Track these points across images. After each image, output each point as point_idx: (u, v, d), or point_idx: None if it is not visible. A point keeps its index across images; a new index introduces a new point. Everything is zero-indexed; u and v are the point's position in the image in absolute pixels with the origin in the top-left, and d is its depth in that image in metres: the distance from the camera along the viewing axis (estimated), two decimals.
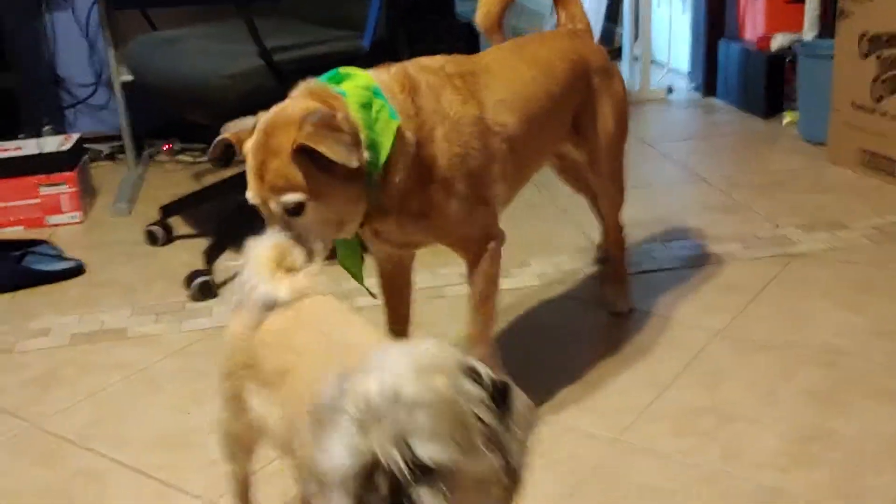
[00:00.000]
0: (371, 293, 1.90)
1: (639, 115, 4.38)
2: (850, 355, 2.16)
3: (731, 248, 2.82)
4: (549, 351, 2.28)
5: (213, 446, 1.90)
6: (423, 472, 0.85)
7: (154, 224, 3.14)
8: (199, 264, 2.76)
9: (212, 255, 2.77)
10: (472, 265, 1.86)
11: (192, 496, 1.81)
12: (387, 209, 1.70)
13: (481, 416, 0.90)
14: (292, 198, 1.54)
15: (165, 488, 1.84)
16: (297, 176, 1.53)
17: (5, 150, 3.42)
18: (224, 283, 2.73)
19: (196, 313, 2.61)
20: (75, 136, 3.55)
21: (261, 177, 1.55)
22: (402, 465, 0.84)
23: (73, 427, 2.06)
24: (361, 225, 1.71)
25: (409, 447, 0.85)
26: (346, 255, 1.79)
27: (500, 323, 2.40)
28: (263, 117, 1.59)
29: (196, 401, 2.14)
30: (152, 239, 3.12)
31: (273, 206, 1.55)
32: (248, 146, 1.58)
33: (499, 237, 1.87)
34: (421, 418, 0.86)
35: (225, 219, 3.01)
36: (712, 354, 2.21)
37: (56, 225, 3.38)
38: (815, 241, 2.83)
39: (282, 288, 1.28)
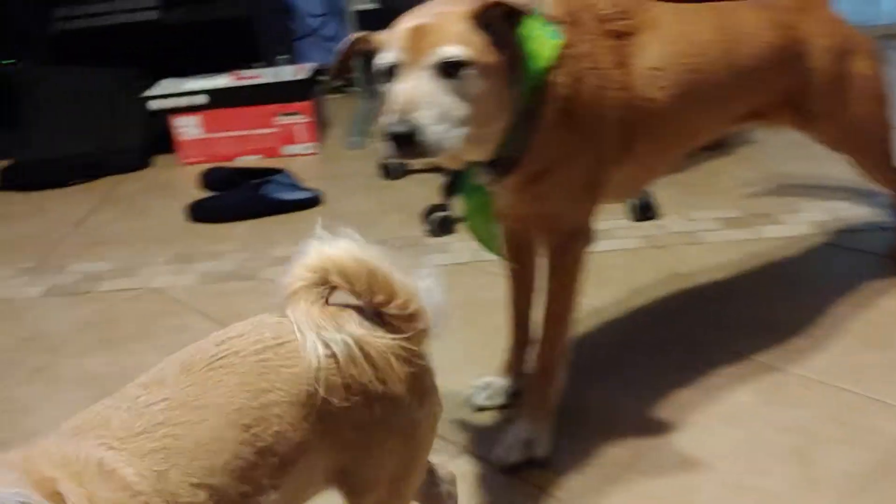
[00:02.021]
0: (507, 259, 1.69)
1: None
2: None
3: None
4: (838, 312, 2.01)
5: (461, 389, 1.81)
6: None
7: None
8: (435, 199, 2.65)
9: (450, 190, 2.66)
10: (552, 260, 1.59)
11: (441, 439, 1.70)
12: (519, 156, 1.45)
13: None
14: (455, 51, 1.30)
15: None
16: (470, 33, 1.32)
17: (244, 77, 3.44)
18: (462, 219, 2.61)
19: (433, 249, 2.50)
20: (310, 67, 3.53)
21: (419, 34, 1.33)
22: None
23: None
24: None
25: None
26: (477, 217, 1.57)
27: (773, 276, 2.15)
28: (414, 15, 1.38)
29: (443, 339, 2.02)
30: (387, 172, 3.05)
31: (427, 59, 1.31)
32: (403, 27, 1.35)
33: (588, 237, 1.60)
34: None
35: None
36: None
37: (291, 155, 3.38)
38: None
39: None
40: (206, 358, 1.01)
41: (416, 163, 1.43)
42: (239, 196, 2.92)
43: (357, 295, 1.07)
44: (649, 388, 1.76)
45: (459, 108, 1.31)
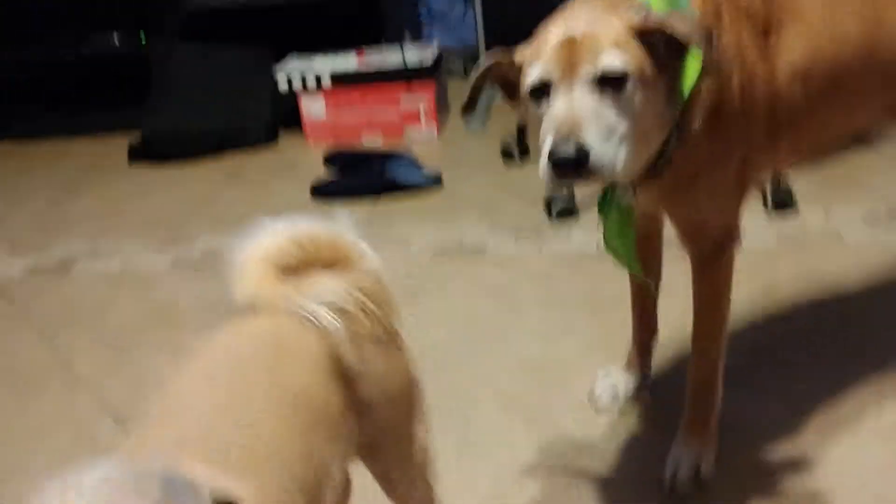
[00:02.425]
0: (648, 283, 1.58)
1: None
2: None
3: None
4: None
5: (580, 383, 1.76)
6: None
7: (510, 142, 3.02)
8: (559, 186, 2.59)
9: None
10: (700, 268, 1.47)
11: (559, 433, 1.66)
12: (669, 160, 1.34)
13: None
14: (618, 62, 1.18)
15: (530, 421, 1.70)
16: (630, 44, 1.20)
17: (369, 57, 3.45)
18: (585, 206, 2.54)
19: (555, 236, 2.45)
20: (435, 49, 3.51)
21: (573, 45, 1.20)
22: None
23: (430, 343, 1.98)
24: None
25: None
26: (617, 235, 1.46)
27: None
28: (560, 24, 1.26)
29: (563, 331, 1.98)
30: (508, 156, 3.00)
31: (586, 72, 1.19)
32: (554, 39, 1.23)
33: (737, 240, 1.48)
34: None
35: None
36: None
37: (413, 136, 3.37)
38: None
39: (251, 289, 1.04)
40: (223, 369, 0.99)
41: (583, 186, 1.31)
42: (361, 176, 2.94)
43: (307, 263, 1.08)
44: (791, 400, 1.67)
45: (624, 125, 1.19)
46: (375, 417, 1.10)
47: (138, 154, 3.48)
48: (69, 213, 3.01)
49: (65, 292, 2.43)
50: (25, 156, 3.59)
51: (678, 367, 1.75)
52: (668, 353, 1.80)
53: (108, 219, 2.94)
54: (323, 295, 1.04)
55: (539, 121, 1.22)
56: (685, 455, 1.50)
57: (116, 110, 3.75)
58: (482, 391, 1.80)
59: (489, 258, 2.37)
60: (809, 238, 2.27)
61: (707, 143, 1.36)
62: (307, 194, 2.91)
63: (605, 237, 1.48)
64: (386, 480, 1.19)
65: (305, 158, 3.33)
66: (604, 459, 1.58)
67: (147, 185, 3.26)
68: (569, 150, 1.15)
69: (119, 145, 3.52)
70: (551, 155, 1.16)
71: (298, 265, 1.08)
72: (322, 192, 2.90)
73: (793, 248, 2.23)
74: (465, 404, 1.77)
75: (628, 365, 1.73)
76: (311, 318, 1.02)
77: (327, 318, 1.02)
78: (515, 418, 1.72)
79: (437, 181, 2.88)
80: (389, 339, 1.14)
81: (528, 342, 1.96)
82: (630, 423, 1.67)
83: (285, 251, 1.07)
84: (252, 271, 1.06)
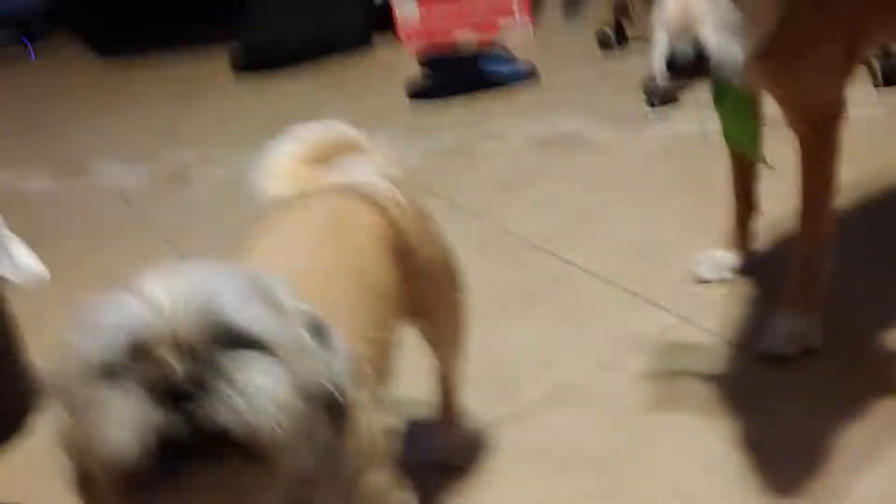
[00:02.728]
0: (768, 164, 1.52)
1: None
2: None
3: None
4: None
5: (684, 262, 1.78)
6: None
7: (607, 30, 2.96)
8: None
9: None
10: (804, 142, 1.42)
11: (664, 310, 1.69)
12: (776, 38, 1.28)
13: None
14: None
15: (635, 299, 1.74)
16: None
17: None
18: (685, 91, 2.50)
19: (655, 123, 2.43)
20: None
21: None
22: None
23: (537, 231, 2.03)
24: None
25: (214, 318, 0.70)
26: (734, 120, 1.42)
27: None
28: None
29: (667, 212, 1.99)
30: (604, 43, 2.96)
31: None
32: None
33: (843, 112, 1.42)
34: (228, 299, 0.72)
35: None
36: None
37: (507, 31, 3.34)
38: None
39: (288, 184, 1.14)
40: (292, 246, 1.08)
41: (699, 84, 1.25)
42: (456, 73, 2.94)
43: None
44: None
45: (739, 14, 1.13)
46: (424, 286, 1.19)
47: (238, 65, 3.56)
48: (180, 125, 3.13)
49: (182, 198, 2.55)
50: (133, 72, 3.72)
51: (783, 246, 1.75)
52: (774, 233, 1.80)
53: (218, 129, 3.04)
54: (365, 173, 1.15)
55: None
56: (787, 325, 1.51)
57: (217, 23, 3.82)
58: (585, 275, 1.84)
59: (589, 147, 2.38)
60: None
61: (813, 18, 1.33)
62: (405, 98, 2.94)
63: (724, 128, 1.46)
64: (432, 340, 1.30)
65: (400, 61, 3.34)
66: (705, 331, 1.62)
67: (250, 96, 3.34)
68: (687, 49, 1.09)
69: (220, 58, 3.60)
70: (669, 56, 1.11)
71: (320, 159, 1.20)
72: (419, 94, 2.93)
73: None
74: (570, 286, 1.82)
75: (730, 243, 1.74)
76: (370, 189, 1.13)
77: (385, 187, 1.14)
78: (620, 296, 1.76)
79: (533, 75, 2.87)
80: (426, 215, 1.24)
81: (630, 226, 1.98)
82: (732, 298, 1.69)
83: (310, 149, 1.21)
84: (284, 165, 1.18)
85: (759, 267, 1.74)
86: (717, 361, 1.55)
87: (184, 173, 2.70)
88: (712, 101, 1.44)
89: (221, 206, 2.45)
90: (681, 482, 1.33)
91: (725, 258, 1.74)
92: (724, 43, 1.11)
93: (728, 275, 1.74)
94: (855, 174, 1.93)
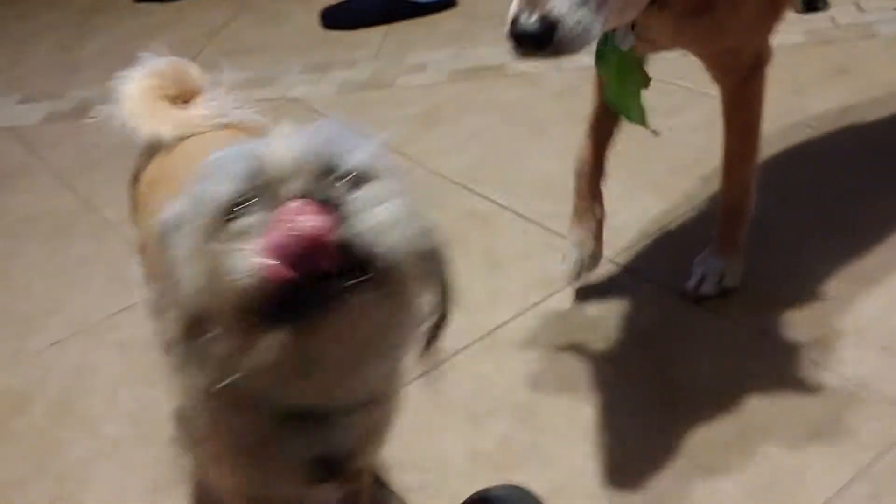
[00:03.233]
0: (654, 131, 1.38)
1: None
2: None
3: None
4: None
5: (606, 199, 1.73)
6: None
7: None
8: None
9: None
10: (731, 94, 1.38)
11: None
12: None
13: None
14: None
15: (553, 237, 1.69)
16: None
17: None
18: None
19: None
20: None
21: None
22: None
23: (457, 168, 1.96)
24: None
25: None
26: (619, 83, 1.30)
27: None
28: None
29: None
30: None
31: None
32: None
33: (768, 59, 1.37)
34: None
35: None
36: None
37: None
38: None
39: (164, 126, 1.11)
40: None
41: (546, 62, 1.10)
42: (372, 1, 2.82)
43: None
44: (820, 204, 1.65)
45: None
46: None
47: None
48: (78, 56, 2.95)
49: (81, 137, 2.41)
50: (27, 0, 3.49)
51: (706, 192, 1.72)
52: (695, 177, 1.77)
53: (119, 60, 2.86)
54: (242, 112, 1.14)
55: None
56: (712, 266, 1.50)
57: None
58: (507, 213, 1.79)
59: (509, 78, 2.31)
60: (840, 33, 2.18)
61: None
62: (319, 26, 2.81)
63: (606, 86, 1.35)
64: None
65: None
66: (627, 269, 1.59)
67: (153, 22, 3.16)
68: (534, 25, 0.95)
69: None
70: (512, 26, 0.97)
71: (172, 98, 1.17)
72: (332, 19, 2.80)
73: (822, 42, 2.15)
74: (491, 225, 1.77)
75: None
76: (256, 127, 1.11)
77: (262, 120, 1.12)
78: (538, 234, 1.72)
79: (454, 3, 2.77)
80: None
81: (549, 159, 1.93)
82: (655, 237, 1.67)
83: (160, 85, 1.19)
84: (142, 105, 1.16)
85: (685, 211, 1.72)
86: (639, 301, 1.52)
87: (83, 110, 2.54)
88: (594, 64, 1.35)
89: (123, 144, 2.31)
90: (605, 425, 1.30)
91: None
92: (578, 15, 0.97)
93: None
94: (771, 97, 1.91)
